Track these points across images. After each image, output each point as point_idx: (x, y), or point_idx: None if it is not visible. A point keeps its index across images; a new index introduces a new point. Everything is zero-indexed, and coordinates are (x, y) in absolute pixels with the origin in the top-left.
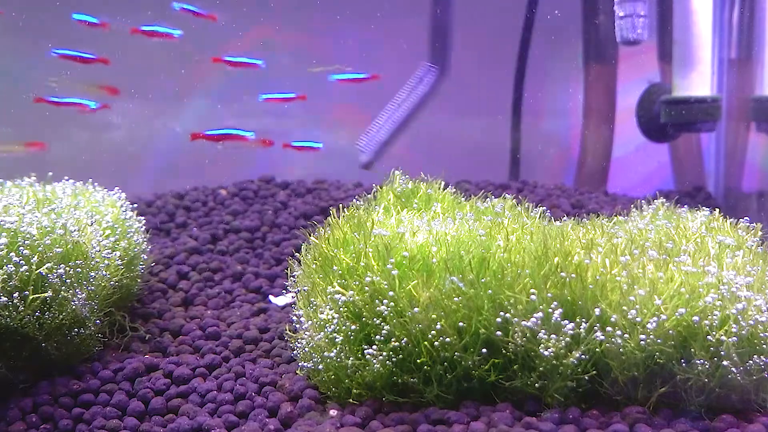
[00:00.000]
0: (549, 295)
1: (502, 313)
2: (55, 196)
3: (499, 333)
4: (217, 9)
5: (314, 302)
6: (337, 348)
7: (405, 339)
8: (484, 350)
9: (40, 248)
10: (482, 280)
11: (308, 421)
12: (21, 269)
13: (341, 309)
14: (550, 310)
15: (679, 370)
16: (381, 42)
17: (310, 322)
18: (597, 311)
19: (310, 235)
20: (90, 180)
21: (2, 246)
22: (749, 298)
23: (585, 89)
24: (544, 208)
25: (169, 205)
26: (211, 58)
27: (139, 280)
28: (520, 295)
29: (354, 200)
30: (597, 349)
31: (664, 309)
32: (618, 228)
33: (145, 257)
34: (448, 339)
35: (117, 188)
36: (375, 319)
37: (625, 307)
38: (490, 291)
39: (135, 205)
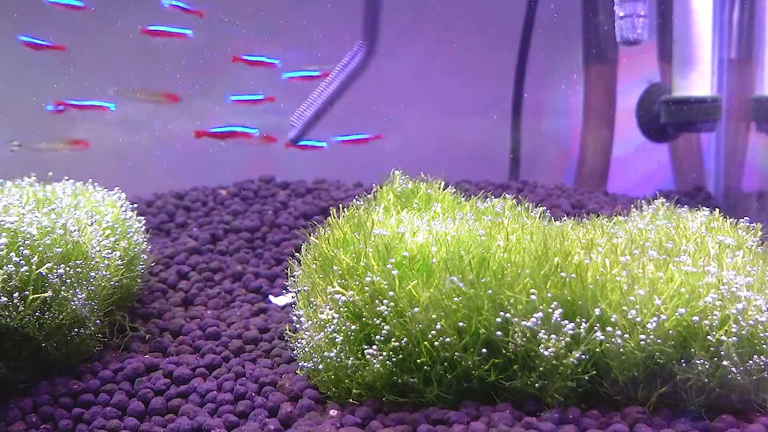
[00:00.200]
0: (549, 295)
1: (502, 313)
2: (55, 196)
3: (499, 333)
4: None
5: (314, 302)
6: (337, 348)
7: (405, 339)
8: (484, 350)
9: (40, 248)
10: (482, 280)
11: (308, 421)
12: (21, 269)
13: (341, 309)
14: (550, 310)
15: (679, 370)
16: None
17: (310, 322)
18: (597, 311)
19: (310, 235)
20: (90, 180)
21: (2, 246)
22: (749, 298)
23: (585, 89)
24: (544, 208)
25: (169, 205)
26: (232, 57)
27: (139, 280)
28: (520, 295)
29: (354, 200)
30: (597, 349)
31: (664, 309)
32: (618, 228)
33: (145, 257)
34: (448, 339)
35: (117, 188)
36: (375, 319)
37: (625, 307)
38: (490, 291)
39: (135, 205)
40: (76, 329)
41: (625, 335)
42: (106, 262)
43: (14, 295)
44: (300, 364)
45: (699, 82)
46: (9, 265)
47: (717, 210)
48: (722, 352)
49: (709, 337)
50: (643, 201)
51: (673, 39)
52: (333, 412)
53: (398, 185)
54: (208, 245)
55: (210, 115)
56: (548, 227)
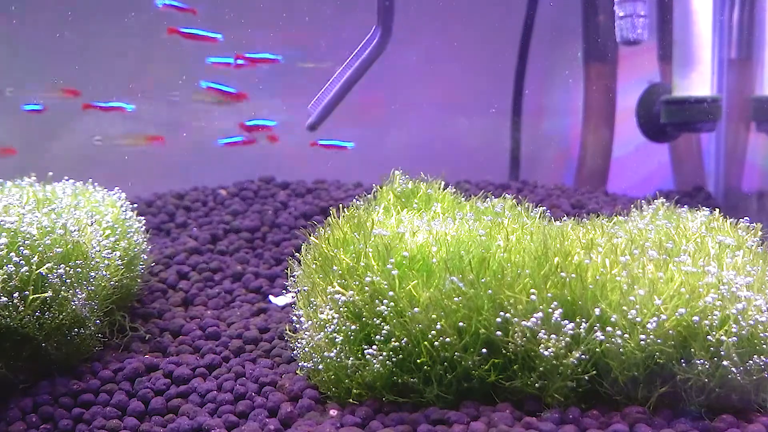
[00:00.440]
0: (549, 295)
1: (502, 313)
2: (55, 196)
3: (499, 333)
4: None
5: (314, 302)
6: (337, 348)
7: (405, 339)
8: (484, 350)
9: (40, 248)
10: (482, 280)
11: (308, 421)
12: (21, 269)
13: (341, 309)
14: (550, 310)
15: (679, 370)
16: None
17: (310, 322)
18: (597, 311)
19: (310, 235)
20: (90, 180)
21: (2, 246)
22: (749, 298)
23: (585, 89)
24: (544, 208)
25: (169, 205)
26: (235, 55)
27: (139, 280)
28: (520, 295)
29: (354, 200)
30: (597, 349)
31: (664, 309)
32: (618, 228)
33: (145, 257)
34: (448, 339)
35: (117, 188)
36: (375, 319)
37: (625, 307)
38: (490, 291)
39: (135, 205)
40: (76, 329)
41: (625, 335)
42: (106, 262)
43: (14, 295)
44: (300, 364)
45: (699, 82)
46: (9, 265)
47: (717, 210)
48: (722, 352)
49: (709, 337)
50: (643, 201)
51: (673, 39)
52: (333, 412)
53: (398, 185)
54: (208, 245)
55: (210, 115)
56: (548, 227)
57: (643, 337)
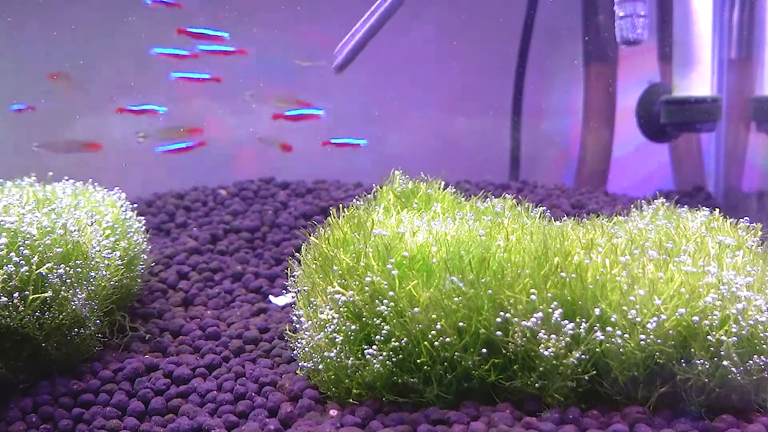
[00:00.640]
0: (549, 295)
1: (502, 313)
2: (55, 196)
3: (499, 333)
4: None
5: (314, 302)
6: (337, 348)
7: (405, 339)
8: (484, 350)
9: (40, 248)
10: (482, 280)
11: (308, 421)
12: (21, 269)
13: (341, 309)
14: (550, 310)
15: (679, 370)
16: None
17: (310, 322)
18: (597, 311)
19: (310, 235)
20: (90, 180)
21: (2, 246)
22: (749, 298)
23: (585, 89)
24: (544, 208)
25: (169, 205)
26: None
27: (139, 280)
28: (520, 295)
29: (354, 200)
30: (597, 349)
31: (664, 309)
32: (618, 228)
33: (145, 257)
34: (448, 339)
35: (117, 188)
36: (375, 319)
37: (625, 307)
38: (490, 291)
39: (135, 205)
40: (76, 329)
41: (625, 335)
42: (106, 262)
43: (14, 295)
44: (300, 364)
45: (699, 82)
46: (9, 265)
47: (717, 210)
48: (722, 352)
49: (709, 337)
50: (643, 201)
51: (673, 39)
52: (333, 412)
53: (398, 185)
54: (208, 245)
55: (209, 114)
56: (548, 227)
57: (643, 337)
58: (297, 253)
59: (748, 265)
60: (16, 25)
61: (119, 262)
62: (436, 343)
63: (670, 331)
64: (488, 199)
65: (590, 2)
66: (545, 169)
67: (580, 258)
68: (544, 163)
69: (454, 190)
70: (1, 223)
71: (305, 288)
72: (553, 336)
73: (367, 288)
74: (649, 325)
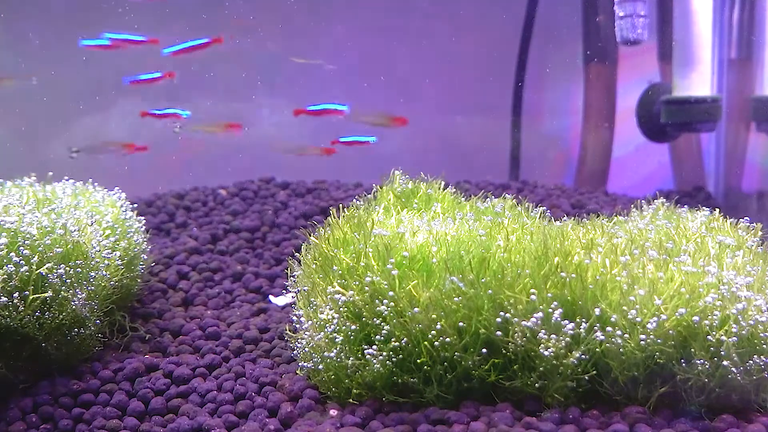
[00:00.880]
0: (549, 295)
1: (502, 313)
2: (55, 196)
3: (499, 333)
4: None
5: (314, 302)
6: (337, 348)
7: (405, 339)
8: (484, 350)
9: (40, 248)
10: (482, 280)
11: (308, 421)
12: (21, 269)
13: (341, 309)
14: (550, 310)
15: (679, 370)
16: None
17: (310, 322)
18: (597, 311)
19: (310, 235)
20: (90, 180)
21: (2, 246)
22: (749, 298)
23: (585, 89)
24: (544, 208)
25: (169, 205)
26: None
27: (139, 280)
28: (520, 295)
29: (354, 200)
30: (597, 349)
31: (664, 309)
32: (618, 228)
33: (145, 257)
34: (448, 339)
35: (117, 188)
36: (375, 319)
37: (625, 307)
38: (490, 291)
39: (135, 205)
40: (76, 329)
41: (625, 335)
42: (106, 262)
43: (14, 295)
44: (300, 364)
45: (699, 82)
46: (9, 265)
47: (717, 210)
48: (722, 352)
49: (709, 337)
50: (643, 201)
51: (673, 39)
52: (333, 412)
53: (398, 185)
54: (208, 245)
55: (210, 114)
56: (548, 227)
57: (643, 337)
58: (297, 253)
59: (748, 265)
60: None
61: (119, 262)
62: (436, 343)
63: (670, 331)
64: (488, 199)
65: (590, 2)
66: (545, 169)
67: (580, 258)
68: (544, 163)
69: (454, 190)
70: (1, 223)
71: (305, 288)
72: (553, 336)
73: (367, 288)
74: (649, 325)
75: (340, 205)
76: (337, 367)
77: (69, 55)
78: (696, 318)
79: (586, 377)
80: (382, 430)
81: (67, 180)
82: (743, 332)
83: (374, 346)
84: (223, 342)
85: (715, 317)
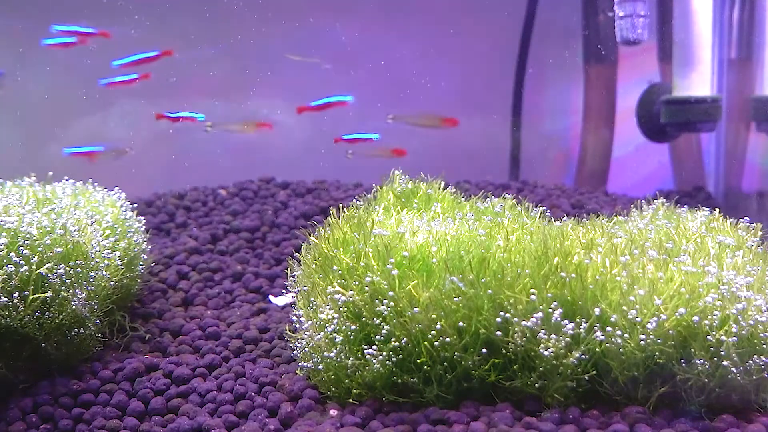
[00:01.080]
0: (549, 295)
1: (502, 313)
2: (55, 196)
3: (499, 333)
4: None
5: (314, 302)
6: (337, 348)
7: (405, 339)
8: (484, 350)
9: (40, 248)
10: (482, 280)
11: (308, 421)
12: (21, 269)
13: (341, 309)
14: (550, 310)
15: (679, 370)
16: None
17: (310, 322)
18: (597, 311)
19: (310, 235)
20: (90, 180)
21: (2, 246)
22: (749, 298)
23: (585, 89)
24: (544, 208)
25: (169, 205)
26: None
27: (139, 280)
28: (520, 295)
29: (354, 200)
30: (597, 349)
31: (664, 309)
32: (618, 228)
33: (145, 257)
34: (448, 339)
35: (117, 188)
36: (375, 319)
37: (625, 307)
38: (490, 291)
39: (135, 205)
40: (76, 329)
41: (625, 335)
42: (106, 262)
43: (14, 295)
44: (300, 364)
45: (699, 82)
46: (9, 265)
47: (717, 210)
48: (722, 352)
49: (709, 337)
50: (643, 201)
51: (673, 39)
52: (333, 412)
53: (398, 185)
54: (208, 245)
55: (209, 115)
56: (548, 227)
57: (643, 337)
58: (297, 253)
59: (748, 265)
60: None
61: (119, 262)
62: (436, 343)
63: (670, 331)
64: (488, 199)
65: (590, 2)
66: (545, 169)
67: (580, 258)
68: (544, 163)
69: (454, 190)
70: (1, 223)
71: (305, 288)
72: (553, 336)
73: (367, 288)
74: (649, 325)
75: (340, 205)
76: (337, 367)
77: (69, 54)
78: (696, 318)
79: (586, 377)
80: (382, 430)
81: (67, 180)
82: (743, 332)
83: (374, 346)
84: (223, 342)
85: (715, 317)
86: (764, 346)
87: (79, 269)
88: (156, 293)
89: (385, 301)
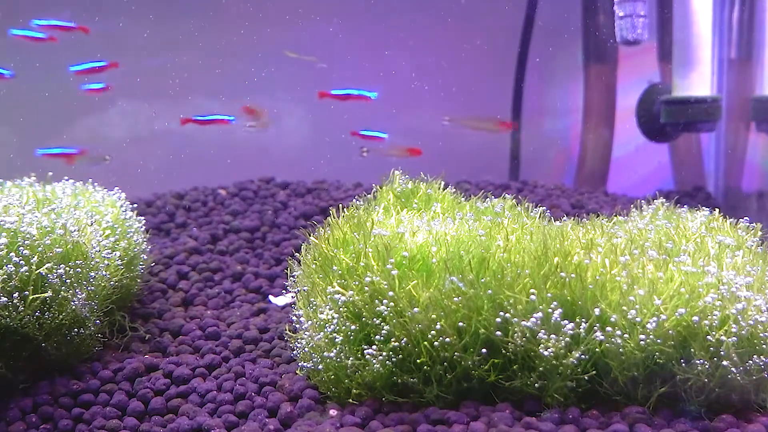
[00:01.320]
0: (549, 295)
1: (501, 313)
2: (55, 196)
3: (498, 333)
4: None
5: (314, 302)
6: (337, 348)
7: (405, 339)
8: (483, 350)
9: (40, 248)
10: (482, 280)
11: (308, 421)
12: (21, 269)
13: (341, 309)
14: (550, 310)
15: (679, 370)
16: None
17: (309, 322)
18: (597, 311)
19: (310, 235)
20: (90, 180)
21: (2, 246)
22: (749, 298)
23: (585, 89)
24: (544, 208)
25: (169, 205)
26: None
27: (139, 280)
28: (520, 295)
29: (354, 200)
30: (597, 349)
31: (663, 309)
32: (618, 228)
33: (145, 257)
34: (447, 339)
35: (117, 188)
36: (375, 319)
37: (624, 307)
38: (489, 291)
39: (135, 205)
40: (76, 329)
41: (625, 335)
42: (106, 262)
43: (14, 295)
44: (300, 364)
45: (699, 82)
46: (9, 265)
47: (717, 210)
48: (722, 352)
49: (709, 337)
50: (643, 201)
51: (673, 39)
52: (333, 412)
53: (398, 185)
54: (208, 245)
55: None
56: (548, 227)
57: (642, 337)
58: (297, 253)
59: (748, 265)
60: None
61: (119, 262)
62: (435, 343)
63: (670, 331)
64: (488, 199)
65: (590, 2)
66: (545, 169)
67: (579, 258)
68: (544, 163)
69: (454, 190)
70: (1, 223)
71: (305, 288)
72: (552, 336)
73: (366, 288)
74: (648, 325)
75: (340, 205)
76: (336, 367)
77: (69, 54)
78: (696, 318)
79: (586, 377)
80: (381, 430)
81: (67, 180)
82: (743, 332)
83: (374, 346)
84: (222, 342)
85: (714, 317)
86: (764, 346)
87: (79, 269)
88: (156, 293)
89: (384, 301)
